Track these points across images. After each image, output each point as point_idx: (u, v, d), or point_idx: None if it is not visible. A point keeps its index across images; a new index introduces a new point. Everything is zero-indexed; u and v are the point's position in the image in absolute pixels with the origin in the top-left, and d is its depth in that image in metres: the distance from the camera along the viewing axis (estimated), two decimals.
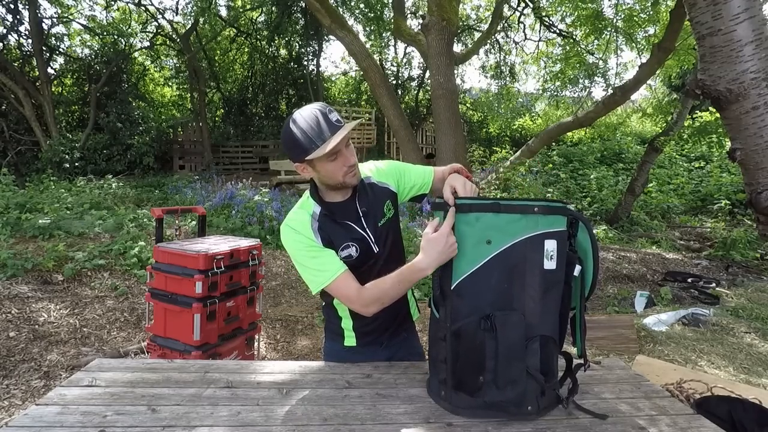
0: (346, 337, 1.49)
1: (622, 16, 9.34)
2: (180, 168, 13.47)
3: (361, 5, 13.74)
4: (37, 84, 11.86)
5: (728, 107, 1.71)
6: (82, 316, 3.80)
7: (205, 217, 3.09)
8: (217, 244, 2.67)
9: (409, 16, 12.44)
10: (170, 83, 17.14)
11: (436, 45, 5.96)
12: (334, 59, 50.21)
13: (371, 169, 1.50)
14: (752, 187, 1.76)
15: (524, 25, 12.69)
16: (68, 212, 6.24)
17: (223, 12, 15.01)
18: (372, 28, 14.52)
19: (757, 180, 1.74)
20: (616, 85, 8.92)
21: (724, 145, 11.59)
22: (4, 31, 12.16)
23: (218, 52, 16.60)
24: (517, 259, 1.12)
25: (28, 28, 11.67)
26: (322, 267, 1.29)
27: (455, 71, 7.19)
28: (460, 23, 12.05)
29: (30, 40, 11.90)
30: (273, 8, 13.99)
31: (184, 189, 9.25)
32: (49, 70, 12.69)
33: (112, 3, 13.23)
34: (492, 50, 14.06)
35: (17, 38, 12.60)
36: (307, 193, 1.43)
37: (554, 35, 11.84)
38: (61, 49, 13.82)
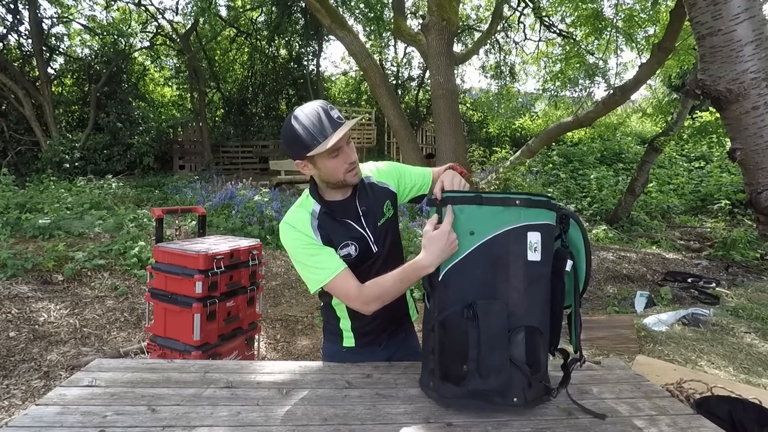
0: (344, 337, 1.48)
1: (622, 16, 9.35)
2: (180, 168, 13.47)
3: (361, 5, 13.74)
4: (37, 84, 11.86)
5: (728, 107, 1.71)
6: (82, 316, 3.80)
7: (205, 217, 3.09)
8: (217, 244, 2.67)
9: (409, 16, 12.44)
10: (170, 83, 17.14)
11: (436, 45, 5.96)
12: (334, 59, 50.31)
13: (371, 170, 1.50)
14: (752, 187, 1.76)
15: (524, 25, 12.69)
16: (68, 212, 6.24)
17: (223, 12, 15.02)
18: (372, 28, 14.51)
19: (757, 180, 1.74)
20: (616, 85, 8.91)
21: (724, 145, 11.61)
22: (4, 31, 12.17)
23: (218, 52, 16.59)
24: (500, 250, 1.15)
25: (28, 28, 11.68)
26: (322, 265, 1.29)
27: (455, 71, 7.19)
28: (460, 23, 12.05)
29: (30, 40, 11.90)
30: (273, 8, 13.99)
31: (184, 189, 9.25)
32: (49, 70, 12.69)
33: (112, 3, 13.22)
34: (492, 50, 14.06)
35: (17, 38, 12.62)
36: (306, 191, 1.42)
37: (554, 35, 11.84)
38: (61, 49, 13.82)
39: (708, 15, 1.67)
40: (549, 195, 1.25)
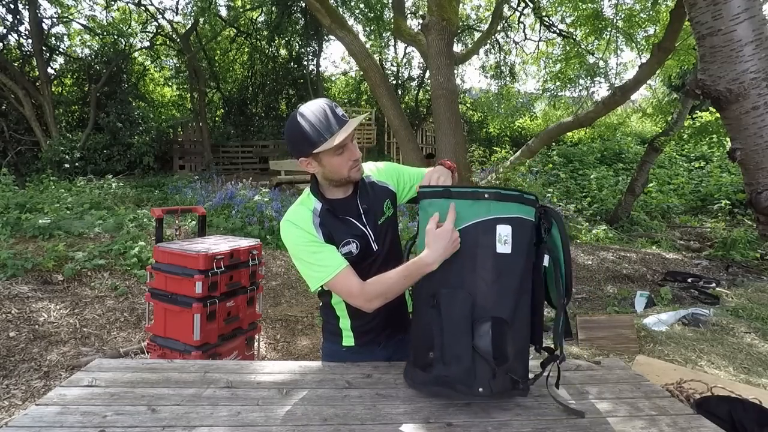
0: (344, 336, 1.49)
1: (622, 16, 9.34)
2: (180, 168, 13.47)
3: (361, 5, 13.73)
4: (37, 84, 11.85)
5: (728, 107, 1.71)
6: (82, 316, 3.80)
7: (205, 217, 3.09)
8: (217, 244, 2.67)
9: (409, 16, 12.44)
10: (170, 83, 17.14)
11: (436, 45, 5.95)
12: (334, 59, 50.29)
13: (371, 169, 1.51)
14: (752, 187, 1.76)
15: (524, 25, 12.69)
16: (68, 212, 6.24)
17: (223, 12, 15.02)
18: (372, 28, 14.51)
19: (757, 180, 1.74)
20: (616, 85, 8.91)
21: (724, 145, 11.60)
22: (4, 31, 12.16)
23: (218, 52, 16.59)
24: (469, 242, 1.18)
25: (28, 28, 11.67)
26: (324, 263, 1.29)
27: (455, 71, 7.19)
28: (460, 23, 12.05)
29: (30, 40, 11.89)
30: (273, 8, 13.99)
31: (184, 189, 9.25)
32: (49, 70, 12.68)
33: (112, 3, 13.22)
34: (492, 50, 14.06)
35: (17, 38, 12.61)
36: (307, 190, 1.43)
37: (554, 35, 11.84)
38: (61, 49, 13.82)
39: (708, 15, 1.67)
40: (523, 191, 1.25)
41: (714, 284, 5.16)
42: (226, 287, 2.54)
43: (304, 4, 12.93)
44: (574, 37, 10.70)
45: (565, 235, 1.23)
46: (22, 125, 11.82)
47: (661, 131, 9.18)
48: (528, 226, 1.21)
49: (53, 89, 12.67)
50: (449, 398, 1.21)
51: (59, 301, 3.97)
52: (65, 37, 14.10)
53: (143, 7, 13.73)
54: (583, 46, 10.52)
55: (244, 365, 1.45)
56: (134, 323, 3.82)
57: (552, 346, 1.29)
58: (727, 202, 8.94)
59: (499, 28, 11.69)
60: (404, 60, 16.96)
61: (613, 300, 4.78)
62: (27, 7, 11.49)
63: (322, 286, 1.39)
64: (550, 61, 12.40)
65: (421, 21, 6.68)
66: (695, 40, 1.78)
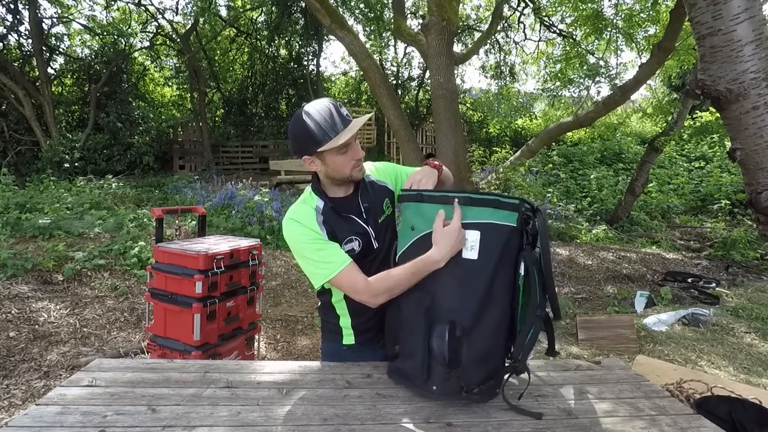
0: (344, 335, 1.49)
1: (622, 16, 9.34)
2: (180, 168, 13.46)
3: (361, 5, 13.73)
4: (37, 84, 11.84)
5: (728, 107, 1.71)
6: (82, 316, 3.80)
7: (205, 217, 3.09)
8: (217, 244, 2.67)
9: (409, 16, 12.43)
10: (170, 83, 17.13)
11: (436, 45, 5.94)
12: (334, 59, 50.27)
13: (370, 169, 1.53)
14: (752, 187, 1.76)
15: (524, 25, 12.69)
16: (68, 212, 6.23)
17: (223, 12, 15.02)
18: (372, 28, 14.51)
19: (757, 180, 1.74)
20: (616, 85, 8.91)
21: (725, 145, 11.60)
22: (4, 31, 12.15)
23: (218, 52, 16.58)
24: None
25: (28, 28, 11.66)
26: (328, 259, 1.30)
27: (455, 71, 7.19)
28: (460, 23, 12.05)
29: (30, 40, 11.88)
30: (273, 8, 13.98)
31: (184, 189, 9.24)
32: (49, 70, 12.67)
33: (112, 3, 13.21)
34: (492, 50, 14.06)
35: (17, 38, 12.59)
36: (308, 188, 1.44)
37: (554, 35, 11.84)
38: (61, 49, 13.81)
39: (708, 15, 1.67)
40: (501, 195, 1.22)
41: (714, 284, 5.16)
42: (226, 287, 2.54)
43: (304, 4, 12.92)
44: (574, 37, 10.70)
45: (546, 243, 1.18)
46: (22, 125, 11.81)
47: (661, 131, 9.17)
48: (502, 232, 1.19)
49: (53, 89, 12.66)
50: (409, 389, 1.27)
51: (59, 301, 3.97)
52: (65, 37, 14.10)
53: (143, 7, 13.72)
54: (583, 46, 10.52)
55: (244, 365, 1.45)
56: (134, 323, 3.82)
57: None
58: (727, 202, 8.93)
59: (499, 28, 11.69)
60: (404, 60, 16.97)
61: (613, 300, 4.78)
62: (27, 7, 11.48)
63: (323, 285, 1.39)
64: (550, 61, 12.41)
65: (421, 21, 6.68)
66: (695, 40, 1.78)
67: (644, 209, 9.23)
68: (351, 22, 13.94)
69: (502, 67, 14.19)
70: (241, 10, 14.83)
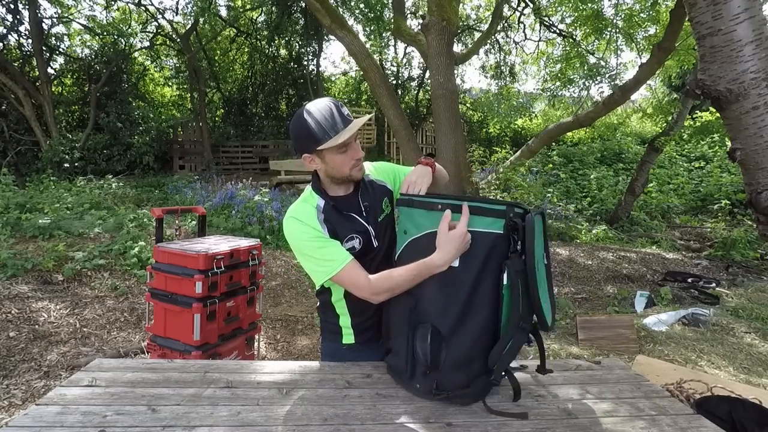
0: (344, 334, 1.49)
1: (622, 16, 9.34)
2: (180, 168, 13.46)
3: (361, 5, 13.72)
4: (37, 84, 11.84)
5: (728, 107, 1.71)
6: (82, 316, 3.80)
7: (205, 217, 3.09)
8: (217, 244, 2.67)
9: (409, 16, 12.43)
10: (170, 83, 17.13)
11: (436, 45, 5.95)
12: (334, 59, 50.25)
13: (369, 168, 1.54)
14: (752, 187, 1.76)
15: (524, 25, 12.69)
16: (68, 212, 6.24)
17: (223, 12, 15.02)
18: (372, 28, 14.50)
19: (757, 180, 1.74)
20: (617, 85, 8.91)
21: (725, 145, 11.60)
22: (4, 31, 12.15)
23: (218, 52, 16.58)
24: (422, 251, 1.22)
25: (28, 28, 11.66)
26: (330, 257, 1.31)
27: (455, 71, 7.19)
28: (460, 23, 12.04)
29: (30, 40, 11.88)
30: (273, 8, 13.97)
31: (184, 189, 9.25)
32: (49, 70, 12.67)
33: (112, 3, 13.21)
34: (492, 50, 14.06)
35: (17, 38, 12.59)
36: (308, 188, 1.44)
37: (554, 35, 11.84)
38: (61, 49, 13.80)
39: (708, 15, 1.68)
40: (487, 201, 1.20)
41: (714, 284, 5.16)
42: (226, 287, 2.54)
43: (304, 4, 12.92)
44: (574, 37, 10.70)
45: (530, 252, 1.15)
46: (22, 125, 11.81)
47: (661, 131, 9.17)
48: (487, 240, 1.18)
49: (53, 89, 12.66)
50: (399, 385, 1.31)
51: (59, 301, 3.97)
52: (65, 37, 14.09)
53: (143, 7, 13.72)
54: (583, 46, 10.52)
55: (244, 365, 1.45)
56: (134, 323, 3.82)
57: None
58: (727, 202, 8.93)
59: (499, 28, 11.69)
60: (404, 60, 16.97)
61: (613, 300, 4.78)
62: (27, 7, 11.48)
63: (323, 285, 1.40)
64: (550, 61, 12.41)
65: (421, 21, 6.68)
66: (695, 40, 1.78)
67: (644, 209, 9.23)
68: (351, 22, 13.95)
69: (502, 67, 14.19)
70: (241, 10, 14.83)
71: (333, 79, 18.85)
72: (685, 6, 1.79)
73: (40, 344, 3.34)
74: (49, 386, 2.83)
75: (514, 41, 14.09)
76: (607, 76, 9.86)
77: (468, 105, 17.15)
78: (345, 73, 18.97)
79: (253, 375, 1.37)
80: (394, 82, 16.38)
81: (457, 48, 11.20)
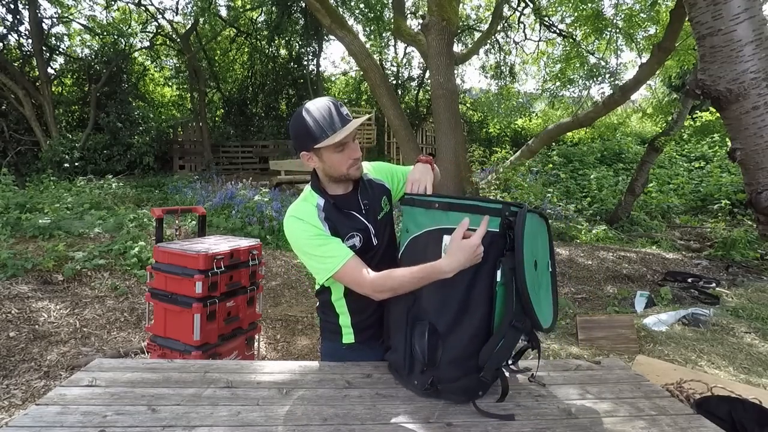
0: (344, 334, 1.49)
1: (622, 16, 9.34)
2: (180, 168, 13.47)
3: (361, 5, 13.72)
4: (37, 84, 11.85)
5: (728, 107, 1.71)
6: (82, 316, 3.80)
7: (205, 217, 3.08)
8: (217, 244, 2.67)
9: (409, 16, 12.43)
10: (170, 83, 17.13)
11: (436, 45, 5.94)
12: (334, 59, 50.22)
13: (367, 168, 1.55)
14: (752, 187, 1.76)
15: (524, 25, 12.68)
16: (68, 212, 6.23)
17: (223, 12, 15.01)
18: (372, 28, 14.50)
19: (757, 180, 1.74)
20: (617, 85, 8.90)
21: (725, 145, 11.59)
22: (4, 31, 12.15)
23: (218, 52, 16.58)
24: (421, 249, 1.26)
25: (28, 28, 11.66)
26: (331, 253, 1.31)
27: (455, 71, 7.18)
28: (460, 23, 12.04)
29: (30, 40, 11.88)
30: (273, 8, 13.98)
31: (184, 189, 9.25)
32: (49, 70, 12.67)
33: (112, 3, 13.21)
34: (492, 50, 14.05)
35: (17, 38, 12.59)
36: (308, 187, 1.45)
37: (554, 35, 11.83)
38: (61, 49, 13.81)
39: (708, 15, 1.68)
40: (482, 200, 1.21)
41: (714, 284, 5.16)
42: (226, 287, 2.54)
43: (304, 4, 12.92)
44: (574, 37, 10.70)
45: (520, 250, 1.15)
46: (22, 125, 11.81)
47: (661, 131, 9.17)
48: (484, 238, 1.18)
49: (53, 89, 12.66)
50: (397, 382, 1.33)
51: (59, 301, 3.97)
52: (65, 37, 14.10)
53: (143, 7, 13.72)
54: (583, 46, 10.52)
55: (244, 365, 1.45)
56: (134, 323, 3.82)
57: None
58: (727, 202, 8.93)
59: (499, 28, 11.68)
60: (404, 60, 16.97)
61: (613, 300, 4.78)
62: (27, 7, 11.48)
63: (322, 284, 1.41)
64: (550, 61, 12.40)
65: (421, 21, 6.68)
66: (695, 40, 1.78)
67: (644, 209, 9.23)
68: (351, 22, 13.94)
69: (502, 67, 14.18)
70: (241, 10, 14.83)
71: (333, 79, 18.86)
72: (685, 6, 1.79)
73: (40, 344, 3.34)
74: (49, 386, 2.83)
75: (514, 41, 14.09)
76: (607, 76, 9.85)
77: (468, 105, 17.15)
78: (345, 73, 18.99)
79: (253, 375, 1.37)
80: (394, 82, 16.38)
81: (457, 48, 11.20)
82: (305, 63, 15.66)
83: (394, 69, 17.10)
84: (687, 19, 1.84)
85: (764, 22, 1.63)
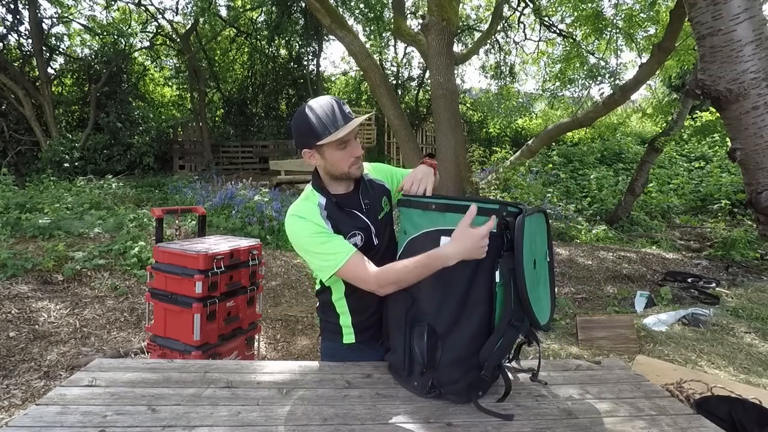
0: (344, 334, 1.49)
1: (622, 16, 9.34)
2: (180, 168, 13.47)
3: (361, 5, 13.71)
4: (37, 84, 11.85)
5: (728, 107, 1.71)
6: (82, 316, 3.80)
7: (205, 217, 3.08)
8: (217, 244, 2.67)
9: (409, 16, 12.43)
10: (170, 83, 17.13)
11: (436, 45, 5.94)
12: (334, 59, 50.22)
13: (367, 168, 1.55)
14: (752, 187, 1.76)
15: (524, 25, 12.68)
16: (68, 212, 6.23)
17: (223, 12, 15.01)
18: (372, 28, 14.49)
19: (757, 180, 1.74)
20: (617, 85, 8.90)
21: (725, 145, 11.59)
22: (4, 31, 12.16)
23: (218, 52, 16.59)
24: (420, 250, 1.23)
25: (28, 28, 11.67)
26: (334, 250, 1.31)
27: (455, 71, 7.18)
28: (460, 23, 12.05)
29: (30, 40, 11.89)
30: (273, 8, 13.98)
31: (184, 189, 9.25)
32: (49, 70, 12.67)
33: (112, 3, 13.21)
34: (492, 50, 14.05)
35: (17, 38, 12.60)
36: (309, 186, 1.45)
37: (554, 35, 11.83)
38: (61, 49, 13.81)
39: (708, 15, 1.67)
40: (478, 200, 1.20)
41: (714, 284, 5.16)
42: (226, 287, 2.54)
43: (304, 4, 12.92)
44: (574, 37, 10.69)
45: (519, 250, 1.15)
46: (22, 125, 11.81)
47: (661, 131, 9.17)
48: None
49: (53, 89, 12.66)
50: (398, 383, 1.33)
51: (59, 301, 3.97)
52: (65, 37, 14.11)
53: (143, 7, 13.73)
54: (583, 46, 10.52)
55: (244, 365, 1.45)
56: (134, 323, 3.82)
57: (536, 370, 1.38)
58: (727, 202, 8.93)
59: (499, 28, 11.68)
60: (404, 60, 16.98)
61: (613, 300, 4.78)
62: (27, 7, 11.48)
63: (323, 283, 1.41)
64: (550, 61, 12.40)
65: (421, 21, 6.68)
66: (695, 40, 1.78)
67: (644, 209, 9.23)
68: (351, 22, 13.94)
69: (502, 67, 14.19)
70: (241, 10, 14.83)
71: (333, 79, 18.86)
72: (685, 6, 1.79)
73: (40, 344, 3.34)
74: (49, 386, 2.83)
75: (514, 41, 14.09)
76: (607, 76, 9.85)
77: (468, 105, 17.15)
78: (345, 73, 18.99)
79: (253, 375, 1.37)
80: (394, 82, 16.38)
81: (457, 48, 11.21)
82: (305, 63, 15.66)
83: (394, 69, 17.11)
84: (687, 19, 1.84)
85: (764, 22, 1.63)
